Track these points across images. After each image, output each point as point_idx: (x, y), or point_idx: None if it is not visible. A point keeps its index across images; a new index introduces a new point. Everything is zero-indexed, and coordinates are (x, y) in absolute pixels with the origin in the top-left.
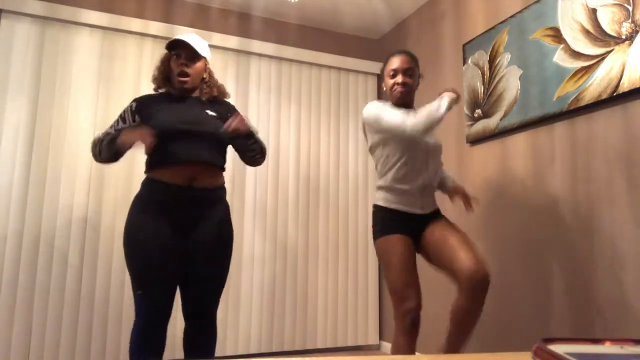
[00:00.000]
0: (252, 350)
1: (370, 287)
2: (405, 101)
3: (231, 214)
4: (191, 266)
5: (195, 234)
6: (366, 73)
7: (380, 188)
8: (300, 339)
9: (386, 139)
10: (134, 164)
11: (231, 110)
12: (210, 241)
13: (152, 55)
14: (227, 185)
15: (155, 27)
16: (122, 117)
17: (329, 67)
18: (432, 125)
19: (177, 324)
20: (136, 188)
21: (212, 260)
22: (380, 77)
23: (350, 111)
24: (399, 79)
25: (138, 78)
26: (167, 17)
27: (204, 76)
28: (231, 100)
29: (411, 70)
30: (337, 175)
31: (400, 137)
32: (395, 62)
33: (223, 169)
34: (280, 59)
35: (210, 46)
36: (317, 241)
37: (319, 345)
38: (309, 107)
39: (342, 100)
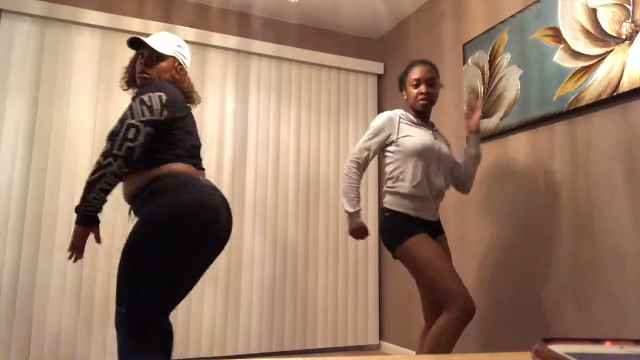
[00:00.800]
0: (252, 350)
1: (370, 287)
2: (427, 110)
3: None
4: None
5: None
6: (366, 73)
7: (394, 193)
8: (300, 339)
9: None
10: None
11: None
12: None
13: None
14: (227, 184)
15: (155, 27)
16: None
17: (329, 67)
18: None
19: (177, 324)
20: None
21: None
22: (401, 83)
23: (350, 111)
24: (423, 88)
25: None
26: (167, 17)
27: (171, 76)
28: (231, 100)
29: (433, 80)
30: (337, 175)
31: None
32: (418, 72)
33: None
34: (280, 59)
35: (211, 46)
36: (317, 241)
37: (319, 345)
38: (309, 107)
39: (342, 100)
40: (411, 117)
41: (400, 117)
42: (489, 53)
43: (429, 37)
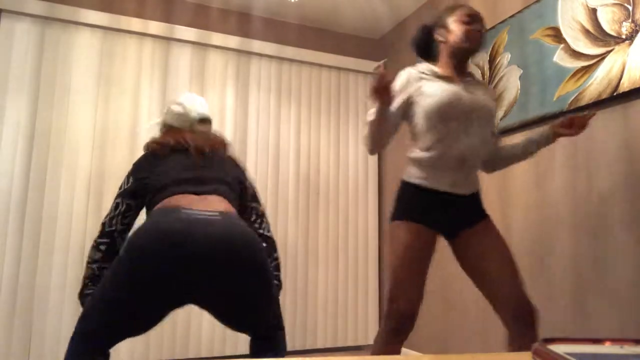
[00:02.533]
0: None
1: (370, 287)
2: (475, 52)
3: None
4: None
5: None
6: (366, 73)
7: (409, 161)
8: (300, 339)
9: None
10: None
11: None
12: None
13: (152, 55)
14: None
15: (155, 27)
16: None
17: (329, 67)
18: (371, 137)
19: (177, 323)
20: None
21: None
22: (437, 25)
23: (350, 111)
24: (477, 26)
25: (138, 78)
26: (167, 17)
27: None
28: (231, 100)
29: (483, 26)
30: (337, 175)
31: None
32: (470, 10)
33: None
34: (280, 59)
35: (211, 46)
36: (317, 241)
37: (319, 345)
38: (309, 107)
39: (342, 100)
40: (436, 69)
41: (421, 73)
42: (488, 53)
43: None
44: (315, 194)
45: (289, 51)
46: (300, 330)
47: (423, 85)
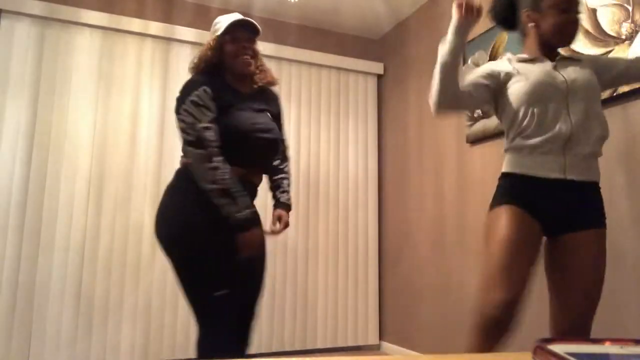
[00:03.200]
0: (252, 350)
1: (370, 287)
2: (570, 44)
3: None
4: None
5: None
6: (366, 73)
7: (508, 152)
8: (300, 339)
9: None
10: (133, 163)
11: (279, 106)
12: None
13: (152, 55)
14: None
15: (155, 27)
16: (198, 106)
17: (329, 67)
18: (441, 84)
19: (177, 323)
20: (136, 187)
21: None
22: (518, 14)
23: (350, 111)
24: (574, 16)
25: (138, 78)
26: (167, 17)
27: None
28: None
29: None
30: (337, 175)
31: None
32: None
33: None
34: (280, 59)
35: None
36: (317, 241)
37: (319, 345)
38: (309, 107)
39: (342, 100)
40: (523, 55)
41: (509, 60)
42: (489, 53)
43: (429, 37)
44: (315, 194)
45: (289, 51)
46: (300, 330)
47: (513, 71)
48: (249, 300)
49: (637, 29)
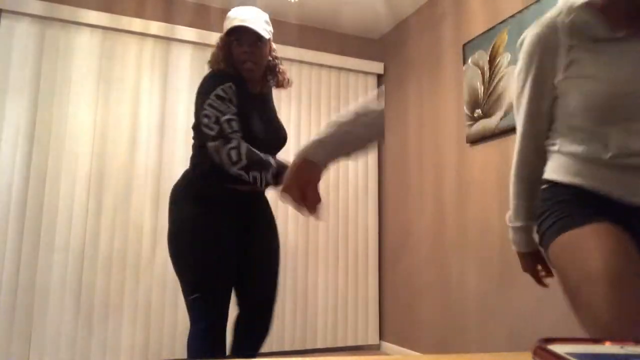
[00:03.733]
0: None
1: (370, 287)
2: None
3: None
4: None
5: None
6: (366, 73)
7: (555, 153)
8: (300, 339)
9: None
10: (133, 163)
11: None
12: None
13: (152, 55)
14: None
15: (155, 27)
16: (220, 98)
17: (330, 67)
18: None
19: (177, 323)
20: (136, 187)
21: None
22: None
23: None
24: None
25: (138, 78)
26: (167, 17)
27: (270, 60)
28: None
29: None
30: (337, 175)
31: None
32: None
33: None
34: (280, 58)
35: (211, 46)
36: (317, 241)
37: (319, 345)
38: (309, 107)
39: (342, 100)
40: (600, 22)
41: (569, 27)
42: (488, 53)
43: (429, 37)
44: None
45: (289, 51)
46: (300, 330)
47: (578, 53)
48: (257, 302)
49: None
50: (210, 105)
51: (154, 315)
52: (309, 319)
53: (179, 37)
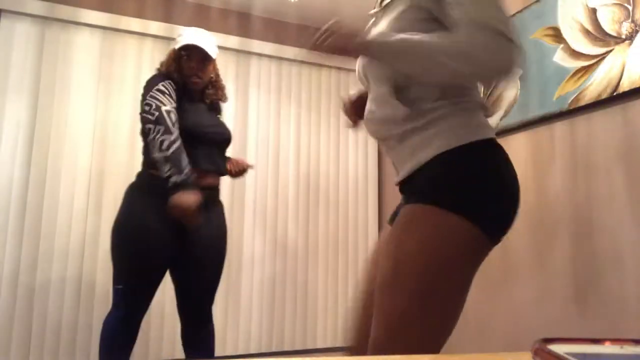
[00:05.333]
0: (252, 350)
1: None
2: None
3: (231, 213)
4: (189, 265)
5: (196, 233)
6: None
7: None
8: (300, 339)
9: None
10: (134, 163)
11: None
12: (212, 241)
13: (152, 55)
14: (227, 184)
15: (155, 27)
16: (156, 95)
17: (329, 67)
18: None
19: (177, 323)
20: None
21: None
22: None
23: None
24: None
25: (138, 78)
26: (167, 17)
27: (212, 77)
28: (231, 100)
29: None
30: (337, 175)
31: None
32: None
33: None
34: (280, 59)
35: None
36: (317, 241)
37: (319, 345)
38: (309, 107)
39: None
40: None
41: None
42: None
43: None
44: (315, 194)
45: (289, 51)
46: (300, 330)
47: None
48: (196, 295)
49: (637, 28)
50: (152, 97)
51: (153, 315)
52: (309, 319)
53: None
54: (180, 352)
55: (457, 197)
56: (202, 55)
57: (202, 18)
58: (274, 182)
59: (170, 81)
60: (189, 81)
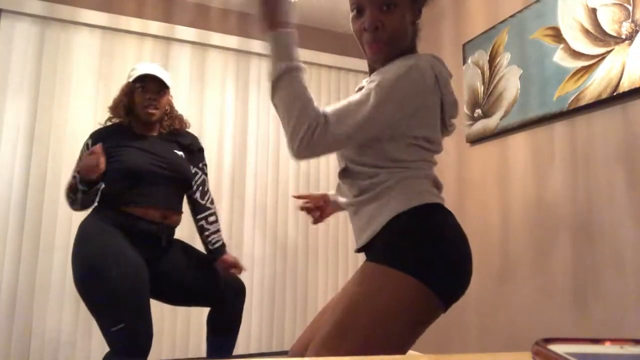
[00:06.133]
0: (252, 350)
1: None
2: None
3: (231, 213)
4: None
5: (163, 264)
6: (366, 73)
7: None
8: None
9: None
10: None
11: (194, 141)
12: (181, 260)
13: (151, 55)
14: (227, 184)
15: (155, 27)
16: (80, 158)
17: (329, 67)
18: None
19: (177, 323)
20: None
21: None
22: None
23: None
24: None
25: None
26: (167, 17)
27: (167, 108)
28: (231, 100)
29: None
30: (337, 175)
31: None
32: None
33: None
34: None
35: (210, 46)
36: (317, 241)
37: None
38: None
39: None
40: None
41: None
42: (488, 53)
43: (428, 37)
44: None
45: None
46: (300, 330)
47: None
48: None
49: (637, 28)
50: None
51: (154, 316)
52: (309, 319)
53: (178, 37)
54: (180, 352)
55: (404, 258)
56: (158, 84)
57: (202, 18)
58: (274, 182)
59: (89, 140)
60: (144, 112)
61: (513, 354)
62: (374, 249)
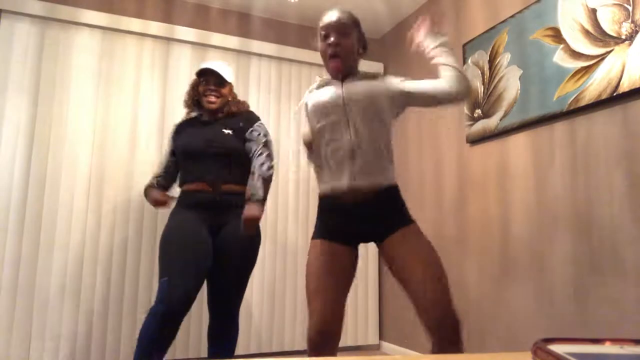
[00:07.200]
0: (252, 350)
1: (370, 287)
2: (345, 72)
3: None
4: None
5: (220, 237)
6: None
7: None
8: (300, 339)
9: None
10: (133, 163)
11: (247, 118)
12: (237, 241)
13: (151, 55)
14: None
15: (155, 27)
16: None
17: None
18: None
19: None
20: (136, 187)
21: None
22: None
23: None
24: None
25: (138, 78)
26: (167, 17)
27: (229, 98)
28: None
29: (345, 29)
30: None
31: None
32: (327, 19)
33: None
34: (280, 59)
35: (210, 46)
36: None
37: None
38: None
39: None
40: (327, 78)
41: (311, 90)
42: (488, 53)
43: None
44: (315, 194)
45: (289, 51)
46: (301, 330)
47: (313, 96)
48: (225, 289)
49: (637, 29)
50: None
51: None
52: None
53: (178, 37)
54: (180, 352)
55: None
56: (216, 77)
57: (202, 18)
58: (274, 182)
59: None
60: (205, 101)
61: (513, 354)
62: (398, 214)
